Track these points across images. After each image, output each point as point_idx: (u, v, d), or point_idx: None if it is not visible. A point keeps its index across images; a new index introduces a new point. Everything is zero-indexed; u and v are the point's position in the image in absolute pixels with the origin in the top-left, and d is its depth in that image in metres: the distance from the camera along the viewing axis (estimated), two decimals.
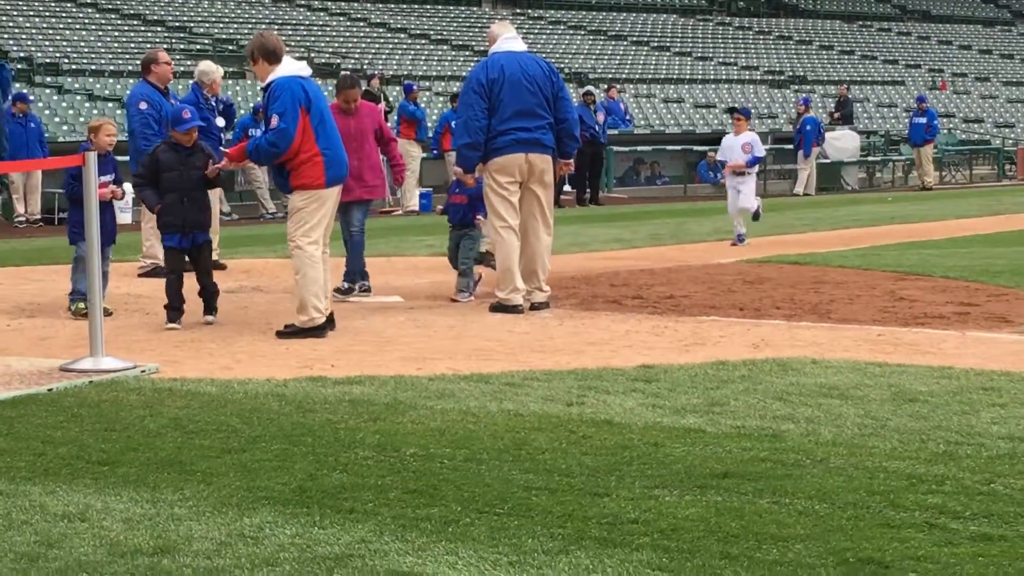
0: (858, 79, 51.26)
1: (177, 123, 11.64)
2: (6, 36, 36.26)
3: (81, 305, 11.48)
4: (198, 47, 37.75)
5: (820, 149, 35.64)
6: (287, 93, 10.88)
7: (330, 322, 11.02)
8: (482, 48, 39.42)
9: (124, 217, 14.97)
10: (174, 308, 11.42)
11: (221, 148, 14.21)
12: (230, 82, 32.83)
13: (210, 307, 11.68)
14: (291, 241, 11.05)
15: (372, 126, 13.42)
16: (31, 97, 27.40)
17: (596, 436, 7.11)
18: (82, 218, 9.93)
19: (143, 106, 14.77)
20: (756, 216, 19.27)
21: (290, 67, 11.10)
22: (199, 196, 11.63)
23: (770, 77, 49.92)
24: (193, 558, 5.12)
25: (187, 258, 11.66)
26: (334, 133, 11.17)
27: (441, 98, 36.32)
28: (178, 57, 31.27)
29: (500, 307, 12.21)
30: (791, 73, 51.05)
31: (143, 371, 9.18)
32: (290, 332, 10.83)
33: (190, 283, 11.65)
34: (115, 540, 5.36)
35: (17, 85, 27.81)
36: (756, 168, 19.68)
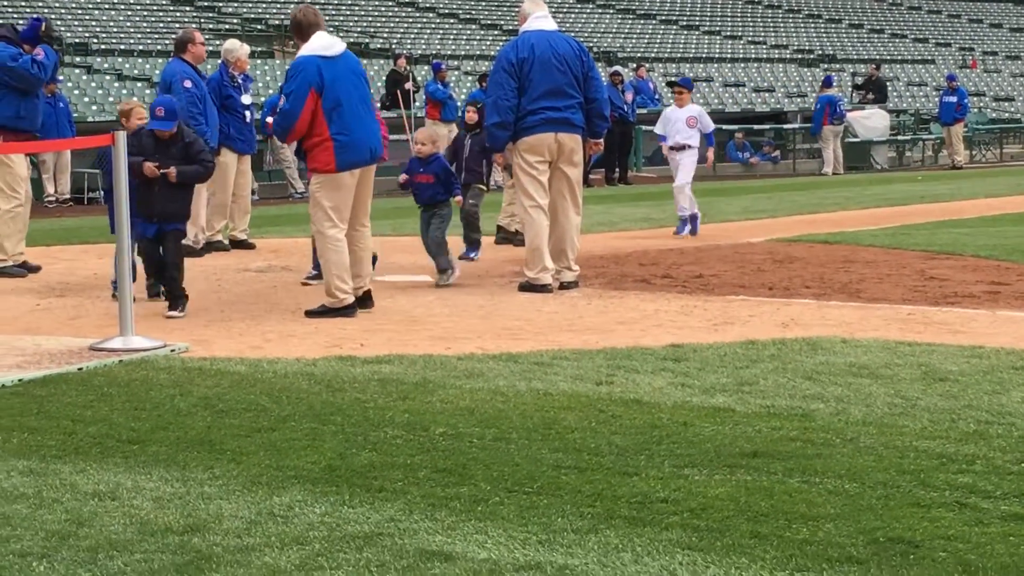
0: (888, 58, 51.00)
1: (152, 116, 11.33)
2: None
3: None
4: (227, 26, 37.77)
5: (841, 127, 35.29)
6: (300, 74, 10.80)
7: (363, 301, 10.98)
8: (511, 27, 39.35)
9: None
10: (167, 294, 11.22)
11: (247, 124, 14.16)
12: (258, 61, 32.83)
13: (174, 300, 11.08)
14: (312, 225, 11.05)
15: None
16: (60, 77, 27.44)
17: (625, 415, 7.10)
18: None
19: (188, 84, 14.78)
20: (694, 229, 17.38)
21: (316, 43, 10.93)
22: (173, 186, 11.09)
23: (800, 56, 49.72)
24: (223, 536, 5.14)
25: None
26: (354, 117, 10.86)
27: (470, 78, 36.29)
28: (207, 36, 31.21)
29: (529, 286, 12.20)
30: (821, 52, 50.86)
31: (173, 350, 9.20)
32: (319, 311, 10.84)
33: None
34: (145, 518, 5.37)
35: None
36: (697, 142, 17.87)
